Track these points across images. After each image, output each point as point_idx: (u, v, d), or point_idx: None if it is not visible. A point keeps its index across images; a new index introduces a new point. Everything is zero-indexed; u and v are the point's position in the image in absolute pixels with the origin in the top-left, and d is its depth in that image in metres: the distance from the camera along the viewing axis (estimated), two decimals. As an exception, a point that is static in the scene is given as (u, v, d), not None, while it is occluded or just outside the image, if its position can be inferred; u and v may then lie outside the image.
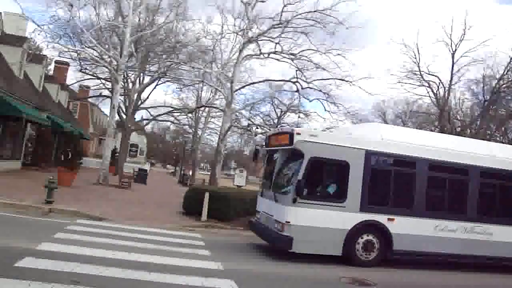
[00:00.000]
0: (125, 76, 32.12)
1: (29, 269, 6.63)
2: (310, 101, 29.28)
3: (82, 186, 20.67)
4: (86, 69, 35.57)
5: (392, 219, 10.99)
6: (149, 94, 52.68)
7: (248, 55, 25.48)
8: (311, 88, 27.21)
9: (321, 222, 10.44)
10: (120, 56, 25.78)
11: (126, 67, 27.40)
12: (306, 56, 25.79)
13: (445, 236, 11.42)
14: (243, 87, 29.70)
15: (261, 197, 12.45)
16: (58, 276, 6.55)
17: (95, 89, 40.86)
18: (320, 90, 27.15)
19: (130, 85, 34.22)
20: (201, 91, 40.79)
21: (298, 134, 10.79)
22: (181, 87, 38.11)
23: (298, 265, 10.05)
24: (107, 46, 27.71)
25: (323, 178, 11.22)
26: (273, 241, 10.98)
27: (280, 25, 24.32)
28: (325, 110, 27.83)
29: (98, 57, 28.28)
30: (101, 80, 36.81)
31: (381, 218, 10.91)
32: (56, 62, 39.73)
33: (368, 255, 10.85)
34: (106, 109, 52.02)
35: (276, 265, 9.86)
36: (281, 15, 23.98)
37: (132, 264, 7.87)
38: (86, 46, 29.86)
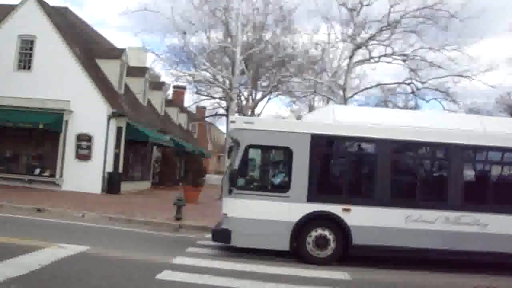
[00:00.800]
0: (239, 93, 33.28)
1: (168, 282, 7.13)
2: (427, 101, 28.09)
3: (206, 202, 21.66)
4: (201, 90, 37.54)
5: (348, 209, 9.62)
6: (262, 109, 53.92)
7: (358, 61, 25.14)
8: (427, 88, 26.09)
9: (262, 214, 9.62)
10: (232, 75, 26.78)
11: (239, 85, 28.40)
12: (419, 56, 24.80)
13: (420, 228, 9.62)
14: (356, 93, 29.30)
15: None
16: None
17: (211, 109, 42.89)
18: (437, 89, 25.91)
19: (244, 101, 35.37)
20: (313, 101, 40.85)
21: (233, 122, 10.23)
22: (294, 99, 38.53)
23: (435, 274, 9.54)
24: (219, 66, 29.04)
25: (263, 167, 10.71)
26: (212, 235, 10.07)
27: (389, 27, 23.70)
28: (444, 109, 26.48)
29: (212, 78, 29.70)
30: (216, 99, 38.58)
31: (334, 209, 9.62)
32: (174, 87, 42.43)
33: (321, 251, 9.63)
34: (222, 127, 54.24)
35: (403, 273, 9.48)
36: (389, 17, 23.38)
37: (261, 276, 8.08)
38: (200, 69, 31.48)
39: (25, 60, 21.51)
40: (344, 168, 10.52)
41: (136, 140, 22.92)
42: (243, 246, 9.84)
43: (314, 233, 9.67)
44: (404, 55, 24.81)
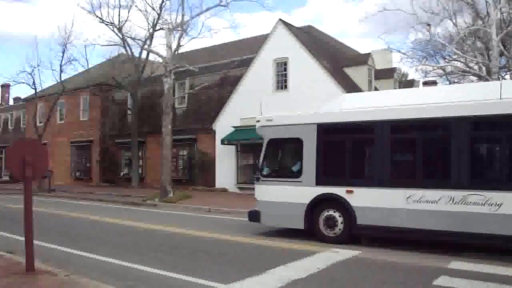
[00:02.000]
0: (500, 78, 30.01)
1: (447, 288, 6.71)
2: None
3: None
4: (454, 82, 35.10)
5: (351, 191, 10.14)
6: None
7: None
8: None
9: (282, 197, 11.06)
10: (489, 59, 24.30)
11: (499, 68, 25.58)
12: None
13: (422, 209, 9.28)
14: None
15: None
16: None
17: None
18: None
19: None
20: None
21: (258, 121, 11.92)
22: None
23: None
24: (471, 53, 26.69)
25: (281, 157, 12.27)
26: (248, 216, 11.93)
27: None
28: None
29: (465, 67, 27.49)
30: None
31: (339, 191, 10.29)
32: (424, 83, 40.66)
33: (331, 230, 10.44)
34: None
35: None
36: None
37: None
38: (450, 60, 29.52)
39: (281, 81, 23.59)
40: (346, 152, 10.70)
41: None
42: (269, 225, 11.86)
43: (324, 214, 10.55)
44: None
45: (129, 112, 33.07)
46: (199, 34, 27.57)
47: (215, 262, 8.43)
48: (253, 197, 11.95)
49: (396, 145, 10.27)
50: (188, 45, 53.53)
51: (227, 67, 28.53)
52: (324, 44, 27.97)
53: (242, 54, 28.58)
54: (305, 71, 22.46)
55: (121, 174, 34.43)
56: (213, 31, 58.11)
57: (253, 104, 23.62)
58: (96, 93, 34.47)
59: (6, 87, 59.87)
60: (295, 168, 11.39)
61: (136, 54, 30.82)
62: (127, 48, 30.41)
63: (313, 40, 26.18)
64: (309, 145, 10.84)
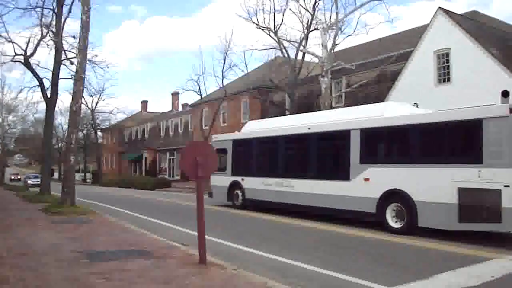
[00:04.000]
0: None
1: None
2: None
3: None
4: None
5: (243, 179, 18.23)
6: None
7: None
8: None
9: (218, 182, 19.38)
10: None
11: None
12: None
13: (267, 189, 16.76)
14: None
15: None
16: None
17: None
18: None
19: None
20: None
21: (211, 138, 20.96)
22: None
23: None
24: None
25: (220, 159, 18.30)
26: (208, 194, 19.16)
27: None
28: None
29: None
30: None
31: (239, 179, 18.44)
32: None
33: (237, 201, 18.61)
34: None
35: None
36: None
37: None
38: None
39: (443, 74, 22.17)
40: (243, 156, 18.75)
41: None
42: (216, 200, 19.70)
43: (234, 192, 18.70)
44: None
45: (287, 113, 33.83)
46: (354, 31, 27.13)
47: (375, 263, 8.25)
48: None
49: (258, 151, 17.95)
50: (344, 43, 52.96)
51: (384, 63, 27.70)
52: (492, 30, 25.53)
53: (400, 48, 27.44)
54: (470, 61, 20.75)
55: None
56: (369, 27, 56.58)
57: (413, 100, 22.62)
58: (255, 96, 36.06)
59: (175, 94, 65.98)
60: (223, 166, 18.85)
61: (292, 56, 31.43)
62: (283, 51, 31.19)
63: (479, 27, 24.06)
64: (229, 152, 18.94)
